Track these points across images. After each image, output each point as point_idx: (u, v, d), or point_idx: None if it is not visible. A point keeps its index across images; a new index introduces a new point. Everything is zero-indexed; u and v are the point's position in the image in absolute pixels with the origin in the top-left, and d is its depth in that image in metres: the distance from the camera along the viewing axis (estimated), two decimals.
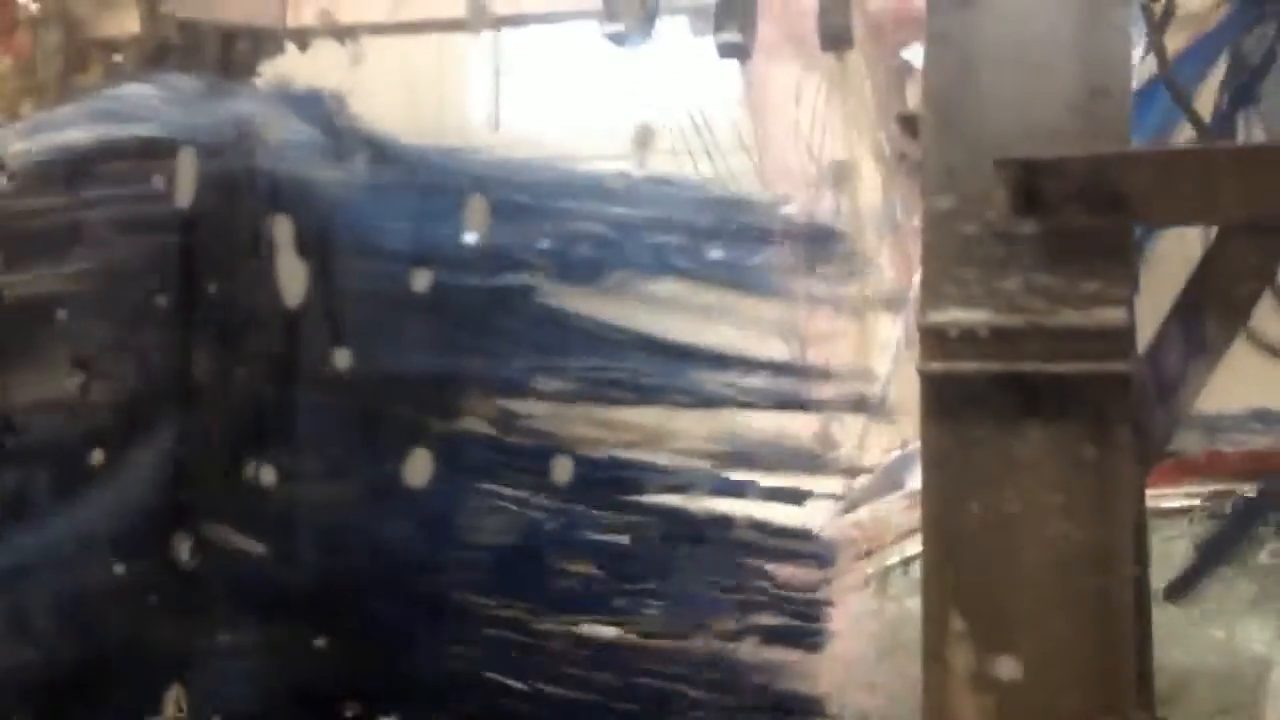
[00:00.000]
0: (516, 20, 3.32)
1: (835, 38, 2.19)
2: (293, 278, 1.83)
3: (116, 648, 1.84)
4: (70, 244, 1.88)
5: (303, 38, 3.13)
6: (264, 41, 2.86)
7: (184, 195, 1.84)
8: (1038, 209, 1.75)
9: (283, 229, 1.82)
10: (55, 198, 1.88)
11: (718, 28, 2.33)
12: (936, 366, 1.83)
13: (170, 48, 2.81)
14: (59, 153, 1.92)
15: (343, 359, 1.88)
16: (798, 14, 2.57)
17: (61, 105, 2.28)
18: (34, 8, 3.48)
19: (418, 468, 1.90)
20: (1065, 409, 1.76)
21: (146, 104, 2.02)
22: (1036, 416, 1.78)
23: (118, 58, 3.00)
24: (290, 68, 2.84)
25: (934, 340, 1.82)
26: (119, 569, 1.80)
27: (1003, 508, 1.79)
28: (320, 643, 1.89)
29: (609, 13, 2.42)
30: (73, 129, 1.98)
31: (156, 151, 1.92)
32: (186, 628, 1.86)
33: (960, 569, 1.82)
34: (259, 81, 2.69)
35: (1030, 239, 1.77)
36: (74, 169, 1.89)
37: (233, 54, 2.81)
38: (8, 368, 1.84)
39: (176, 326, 1.86)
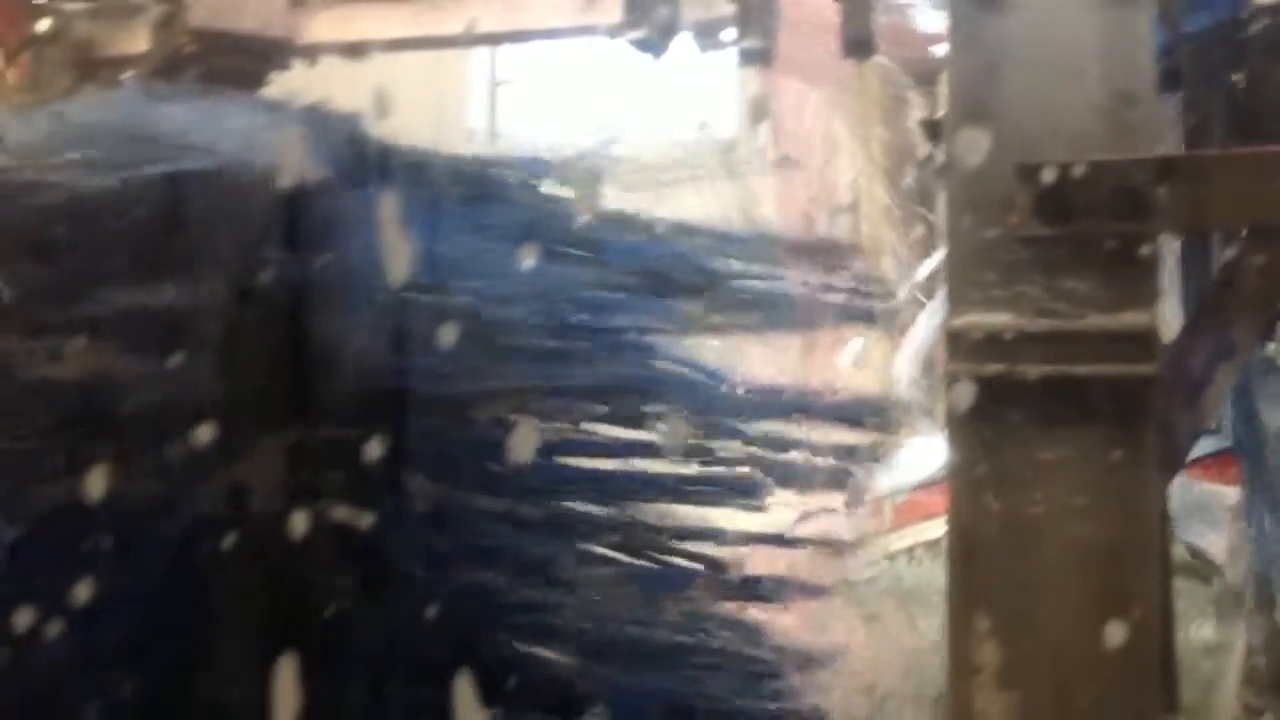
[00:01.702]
0: (516, 36, 3.34)
1: (857, 45, 2.21)
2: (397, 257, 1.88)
3: (231, 617, 1.86)
4: (172, 229, 1.93)
5: (313, 53, 3.14)
6: (275, 54, 2.86)
7: (289, 176, 1.90)
8: (1062, 214, 1.77)
9: (389, 206, 1.87)
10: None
11: (740, 34, 2.35)
12: (961, 369, 1.84)
13: (181, 60, 2.80)
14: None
15: (448, 336, 1.93)
16: (817, 22, 2.60)
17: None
18: (45, 26, 3.50)
19: (522, 442, 1.95)
20: (1090, 412, 1.77)
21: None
22: (1061, 419, 1.79)
23: (127, 74, 2.99)
24: (299, 81, 2.85)
25: (958, 343, 1.83)
26: (230, 541, 1.83)
27: (1027, 509, 1.81)
28: (431, 613, 1.94)
29: (630, 20, 2.43)
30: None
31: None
32: (299, 598, 1.88)
33: (985, 569, 1.83)
34: (269, 93, 2.69)
35: (1055, 243, 1.78)
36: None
37: (243, 66, 2.81)
38: (118, 348, 1.88)
39: (288, 306, 1.91)
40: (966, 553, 1.86)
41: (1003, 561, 1.83)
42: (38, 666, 1.81)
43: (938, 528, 2.82)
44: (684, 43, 3.06)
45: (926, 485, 2.91)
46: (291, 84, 2.79)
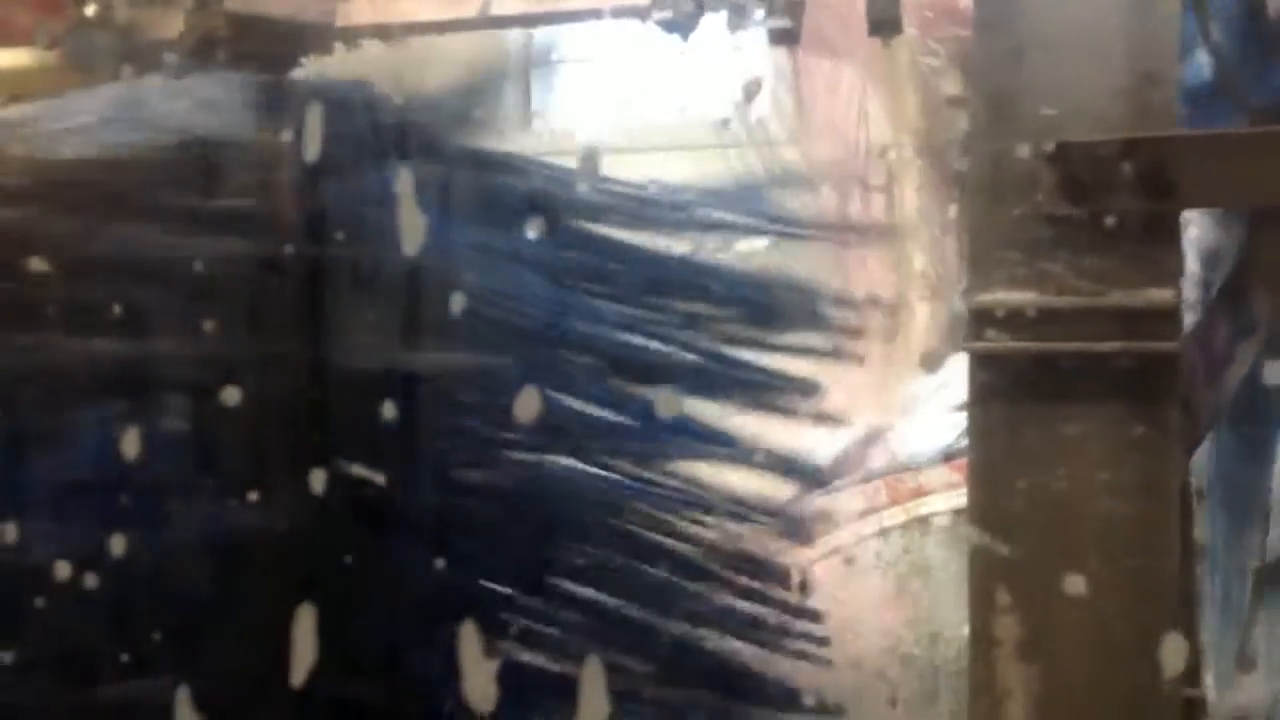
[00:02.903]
0: (550, 18, 3.36)
1: (883, 23, 2.22)
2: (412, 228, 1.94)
3: (251, 569, 1.93)
4: (205, 199, 2.00)
5: (351, 36, 3.18)
6: (312, 36, 2.88)
7: (311, 149, 1.96)
8: (1085, 193, 1.78)
9: (405, 180, 1.93)
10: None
11: (768, 12, 2.36)
12: (983, 346, 1.85)
13: (217, 41, 2.83)
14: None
15: (458, 303, 1.97)
16: (835, 4, 2.60)
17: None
18: (91, 10, 3.55)
19: (527, 405, 1.97)
20: (1112, 388, 1.78)
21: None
22: (1084, 396, 1.80)
23: (169, 57, 3.02)
24: (333, 63, 2.87)
25: (980, 319, 1.85)
26: (254, 496, 1.92)
27: (1050, 485, 1.82)
28: (440, 564, 2.00)
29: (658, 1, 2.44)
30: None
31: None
32: (317, 550, 1.94)
33: (1007, 546, 1.85)
34: (303, 74, 2.72)
35: (1077, 221, 1.79)
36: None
37: (275, 49, 2.83)
38: (143, 311, 1.94)
39: (307, 273, 1.96)
40: (989, 528, 1.87)
41: (1025, 537, 1.84)
42: (73, 616, 1.89)
43: (931, 504, 2.83)
44: (715, 23, 3.07)
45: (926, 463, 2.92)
46: (327, 67, 2.82)
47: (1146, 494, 1.78)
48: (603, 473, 2.20)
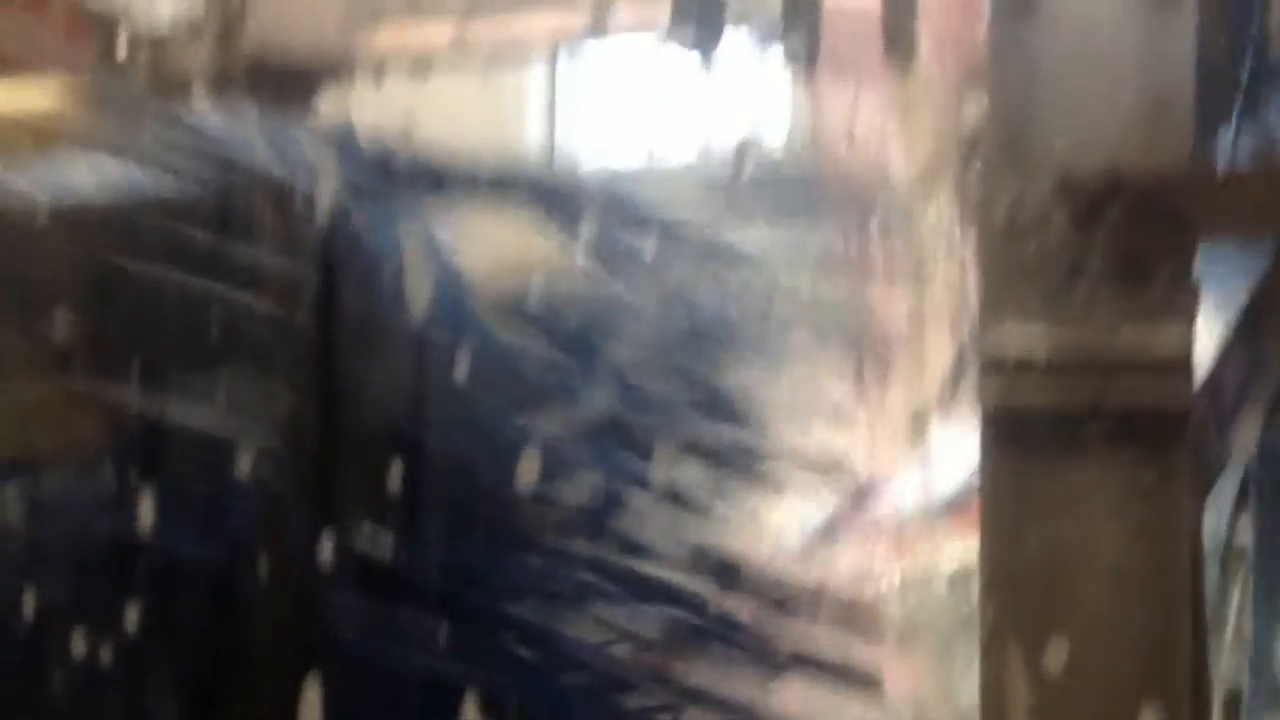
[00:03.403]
0: (570, 38, 3.35)
1: (899, 51, 2.18)
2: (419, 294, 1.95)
3: (259, 636, 1.95)
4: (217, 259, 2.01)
5: (376, 67, 3.19)
6: (327, 73, 2.89)
7: (325, 203, 1.96)
8: (1099, 227, 1.73)
9: (413, 244, 1.94)
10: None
11: (784, 34, 2.33)
12: (994, 393, 1.81)
13: (236, 79, 2.84)
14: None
15: (461, 370, 1.98)
16: (861, 25, 2.56)
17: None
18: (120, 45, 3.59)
19: (528, 469, 1.96)
20: (1123, 437, 1.73)
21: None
22: (1094, 444, 1.75)
23: (193, 94, 3.03)
24: (352, 98, 2.88)
25: (992, 367, 1.80)
26: (263, 563, 1.92)
27: (1061, 535, 1.77)
28: (444, 631, 2.00)
29: (676, 17, 2.42)
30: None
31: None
32: (324, 617, 1.95)
33: (1019, 598, 1.80)
34: (319, 114, 2.72)
35: (1092, 257, 1.74)
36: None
37: (294, 85, 2.84)
38: (159, 370, 1.94)
39: (318, 338, 1.97)
40: (1000, 579, 1.82)
41: (1037, 589, 1.79)
42: (87, 688, 1.88)
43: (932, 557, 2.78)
44: (738, 43, 3.05)
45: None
46: (346, 99, 2.82)
47: (1157, 543, 1.72)
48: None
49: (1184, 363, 1.70)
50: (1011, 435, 1.77)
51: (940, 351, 3.05)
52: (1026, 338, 1.77)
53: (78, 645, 1.89)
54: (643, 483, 2.17)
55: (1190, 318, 1.70)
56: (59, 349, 1.98)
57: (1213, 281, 1.81)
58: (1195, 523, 1.80)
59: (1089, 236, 1.71)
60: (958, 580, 2.76)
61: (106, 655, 1.89)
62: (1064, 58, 1.77)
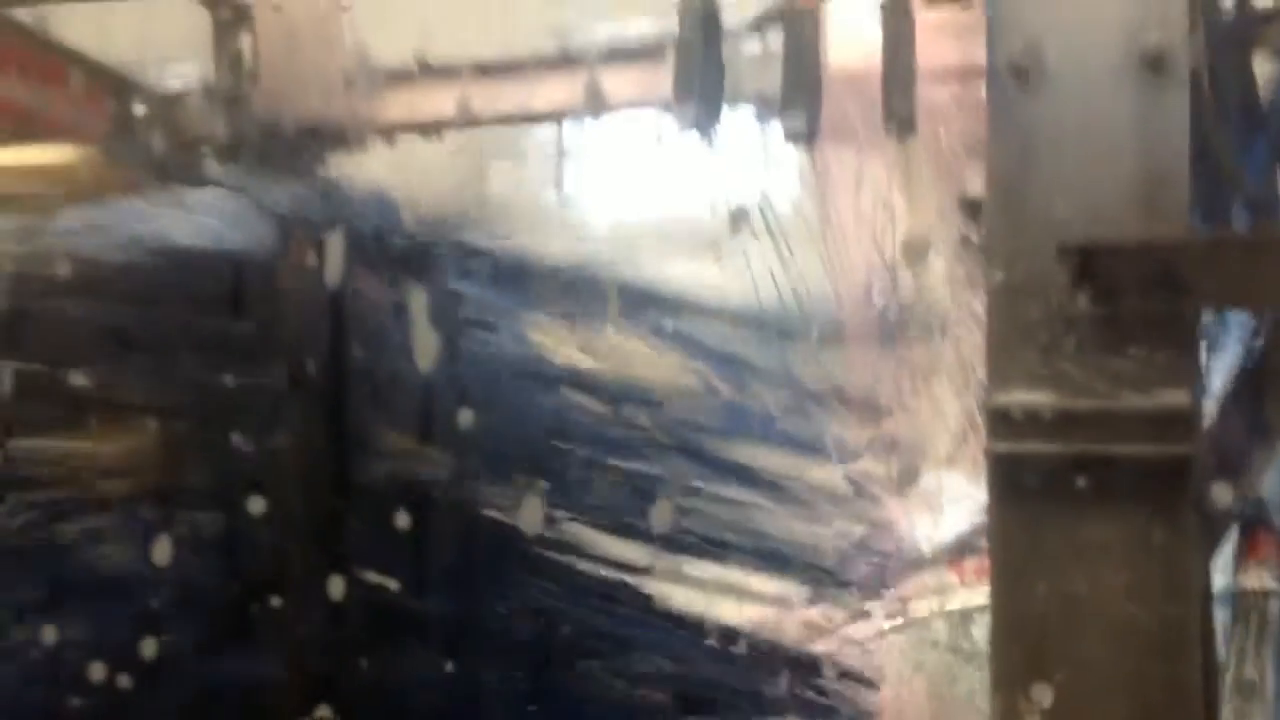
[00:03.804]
0: (579, 111, 3.42)
1: (899, 124, 2.24)
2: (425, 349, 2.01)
3: (273, 669, 2.00)
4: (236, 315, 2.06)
5: (389, 131, 3.26)
6: (339, 136, 2.94)
7: (333, 274, 2.02)
8: (1100, 292, 1.78)
9: (418, 302, 2.00)
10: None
11: (783, 111, 2.39)
12: (1002, 447, 1.85)
13: (246, 144, 2.89)
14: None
15: (466, 419, 2.03)
16: (862, 98, 2.62)
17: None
18: (140, 110, 3.65)
19: (530, 515, 1.99)
20: (1129, 491, 1.77)
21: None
22: (1101, 498, 1.79)
23: (206, 159, 3.08)
24: (359, 161, 2.93)
25: (999, 421, 1.84)
26: (276, 602, 1.99)
27: (1069, 588, 1.80)
28: (450, 667, 2.07)
29: (677, 95, 2.48)
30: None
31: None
32: (334, 653, 2.00)
33: (1028, 650, 1.83)
34: (327, 177, 2.78)
35: (1092, 321, 1.79)
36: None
37: (306, 150, 2.89)
38: (176, 426, 1.98)
39: (329, 389, 2.00)
40: (1010, 631, 1.85)
41: (1046, 641, 1.82)
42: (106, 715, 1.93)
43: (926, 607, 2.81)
44: (740, 117, 3.11)
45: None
46: (355, 162, 2.87)
47: (1166, 598, 1.76)
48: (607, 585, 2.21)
49: (1188, 418, 1.74)
50: (1019, 487, 1.81)
51: (948, 406, 3.10)
52: (1032, 398, 1.81)
53: (98, 674, 1.94)
54: (647, 534, 2.22)
55: (1192, 383, 1.75)
56: (80, 399, 2.02)
57: (1215, 336, 1.86)
58: (1203, 576, 1.83)
59: (1090, 303, 1.76)
60: (955, 622, 2.79)
61: (127, 683, 1.94)
62: (1062, 127, 1.83)
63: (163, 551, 1.97)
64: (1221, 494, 1.81)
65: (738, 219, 2.19)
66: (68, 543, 2.02)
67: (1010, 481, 1.84)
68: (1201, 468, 1.76)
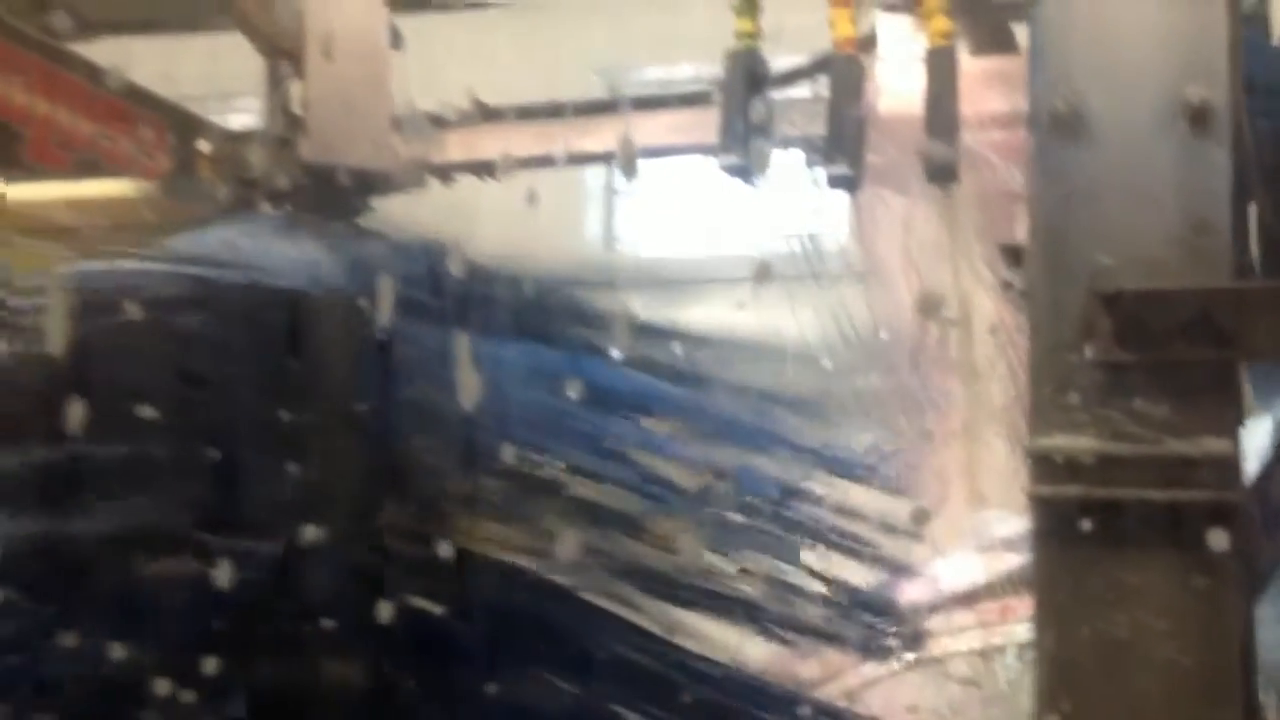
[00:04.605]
0: (621, 156, 3.47)
1: (940, 172, 2.26)
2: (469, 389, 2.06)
3: (321, 690, 2.10)
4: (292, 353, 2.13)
5: (445, 172, 3.33)
6: (387, 182, 2.98)
7: (384, 316, 2.07)
8: (1142, 340, 1.79)
9: (462, 346, 2.06)
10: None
11: (827, 160, 2.41)
12: (1045, 491, 1.86)
13: (296, 188, 2.92)
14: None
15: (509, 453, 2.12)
16: (908, 145, 2.65)
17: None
18: (205, 147, 3.75)
19: (569, 545, 2.10)
20: (1172, 537, 1.78)
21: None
22: (1144, 543, 1.80)
23: (260, 199, 3.14)
24: (409, 204, 2.98)
25: (1042, 466, 1.85)
26: (327, 623, 2.09)
27: (1113, 633, 1.81)
28: (492, 689, 2.13)
29: (724, 146, 2.51)
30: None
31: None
32: (380, 674, 2.12)
33: (1073, 693, 1.84)
34: (376, 221, 2.83)
35: (1135, 369, 1.80)
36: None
37: (355, 194, 2.92)
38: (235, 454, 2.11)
39: (378, 424, 2.13)
40: (1054, 675, 1.86)
41: (1090, 685, 1.83)
42: None
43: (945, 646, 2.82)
44: (787, 163, 3.15)
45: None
46: (403, 206, 2.91)
47: (1208, 644, 1.76)
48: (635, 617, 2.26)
49: (1231, 465, 1.75)
50: (1062, 531, 1.82)
51: (993, 446, 3.11)
52: (1075, 443, 1.82)
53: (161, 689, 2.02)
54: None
55: (1235, 431, 1.76)
56: (147, 431, 2.10)
57: (1259, 383, 1.87)
58: (1246, 622, 1.83)
59: (1131, 350, 1.78)
60: (974, 660, 2.80)
61: (189, 699, 2.03)
62: (1104, 176, 1.85)
63: (224, 575, 2.06)
64: (1267, 542, 1.82)
65: (763, 272, 2.22)
66: (135, 565, 2.11)
67: (1053, 525, 1.85)
68: (1245, 515, 1.77)
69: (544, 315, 2.34)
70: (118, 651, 2.02)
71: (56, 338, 2.08)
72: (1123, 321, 1.80)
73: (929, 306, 2.89)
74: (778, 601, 2.30)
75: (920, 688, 2.71)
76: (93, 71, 3.96)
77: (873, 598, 2.42)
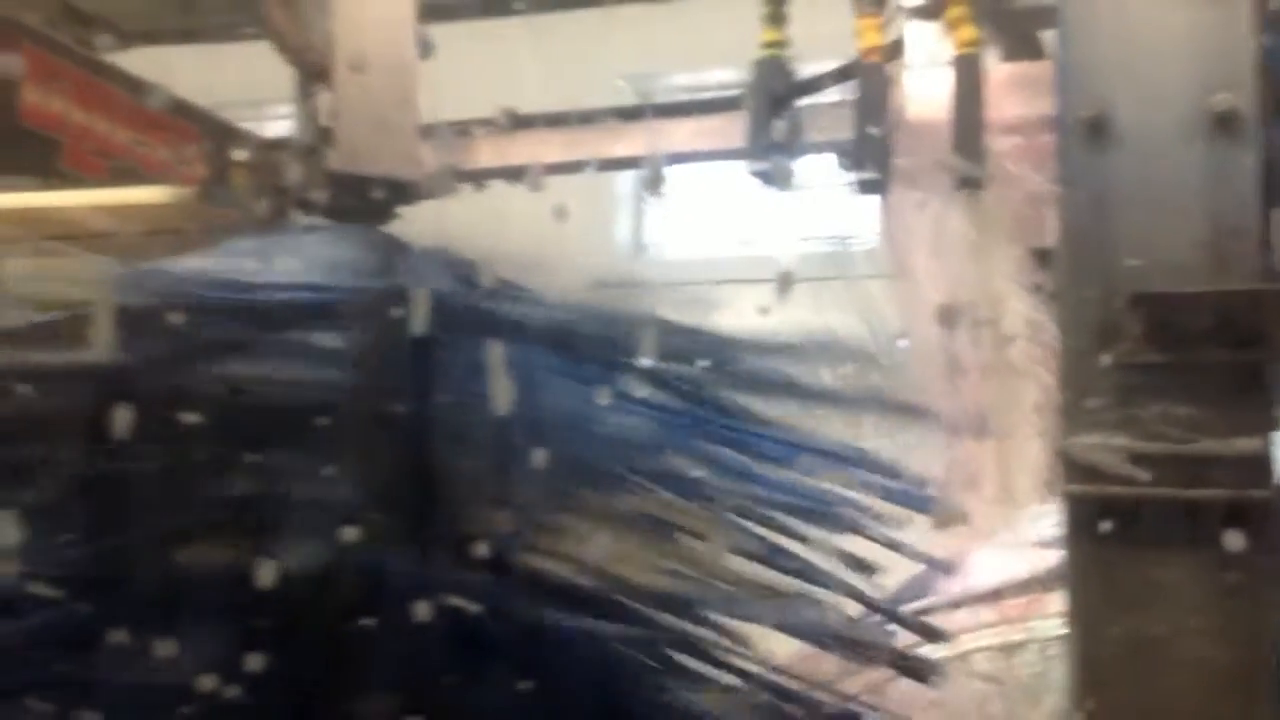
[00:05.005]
0: (665, 159, 3.51)
1: (966, 179, 2.29)
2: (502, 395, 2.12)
3: (364, 687, 2.15)
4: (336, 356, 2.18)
5: (478, 178, 3.37)
6: (417, 191, 3.02)
7: (418, 325, 2.13)
8: (1171, 342, 1.82)
9: (495, 353, 2.11)
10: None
11: (855, 166, 2.44)
12: (1077, 489, 1.89)
13: (326, 197, 2.95)
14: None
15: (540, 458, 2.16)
16: (934, 149, 2.68)
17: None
18: (242, 154, 3.80)
19: (600, 543, 2.18)
20: (1205, 535, 1.81)
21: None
22: (1178, 541, 1.82)
23: (296, 202, 3.18)
24: (440, 212, 3.01)
25: (1072, 465, 1.88)
26: (367, 622, 2.13)
27: (1147, 631, 1.84)
28: (528, 686, 2.17)
29: (752, 154, 2.54)
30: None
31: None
32: (422, 671, 2.16)
33: (1105, 692, 1.86)
34: (405, 230, 2.87)
35: (1164, 370, 1.83)
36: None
37: (386, 203, 2.95)
38: (273, 461, 2.15)
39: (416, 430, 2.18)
40: (1087, 674, 1.89)
41: (1123, 683, 1.86)
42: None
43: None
44: (819, 164, 3.18)
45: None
46: (434, 215, 2.94)
47: (1241, 641, 1.79)
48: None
49: (1262, 464, 1.78)
50: (1095, 530, 1.85)
51: (1025, 445, 3.13)
52: (1107, 442, 1.85)
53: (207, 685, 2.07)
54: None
55: (1266, 431, 1.78)
56: (192, 437, 2.15)
57: None
58: None
59: (1161, 353, 1.80)
60: (996, 655, 2.82)
61: (235, 697, 2.08)
62: (1133, 181, 1.88)
63: (268, 575, 2.11)
64: None
65: (785, 280, 2.26)
66: (185, 566, 2.16)
67: (1086, 524, 1.88)
68: (1277, 513, 1.79)
69: (572, 325, 2.37)
70: (164, 650, 2.08)
71: (103, 346, 2.13)
72: (1151, 323, 1.83)
73: (949, 318, 2.91)
74: (808, 606, 2.33)
75: (943, 683, 2.74)
76: (130, 82, 4.02)
77: (905, 614, 2.46)
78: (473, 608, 2.15)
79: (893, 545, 2.38)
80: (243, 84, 3.84)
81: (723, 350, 2.39)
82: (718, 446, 2.37)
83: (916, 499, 2.38)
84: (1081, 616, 1.90)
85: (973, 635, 2.90)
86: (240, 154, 4.03)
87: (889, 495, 2.37)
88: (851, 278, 3.24)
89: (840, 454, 2.38)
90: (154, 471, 2.14)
